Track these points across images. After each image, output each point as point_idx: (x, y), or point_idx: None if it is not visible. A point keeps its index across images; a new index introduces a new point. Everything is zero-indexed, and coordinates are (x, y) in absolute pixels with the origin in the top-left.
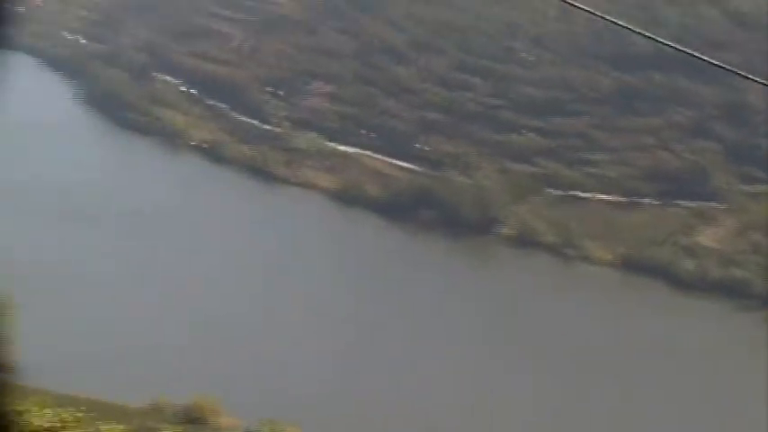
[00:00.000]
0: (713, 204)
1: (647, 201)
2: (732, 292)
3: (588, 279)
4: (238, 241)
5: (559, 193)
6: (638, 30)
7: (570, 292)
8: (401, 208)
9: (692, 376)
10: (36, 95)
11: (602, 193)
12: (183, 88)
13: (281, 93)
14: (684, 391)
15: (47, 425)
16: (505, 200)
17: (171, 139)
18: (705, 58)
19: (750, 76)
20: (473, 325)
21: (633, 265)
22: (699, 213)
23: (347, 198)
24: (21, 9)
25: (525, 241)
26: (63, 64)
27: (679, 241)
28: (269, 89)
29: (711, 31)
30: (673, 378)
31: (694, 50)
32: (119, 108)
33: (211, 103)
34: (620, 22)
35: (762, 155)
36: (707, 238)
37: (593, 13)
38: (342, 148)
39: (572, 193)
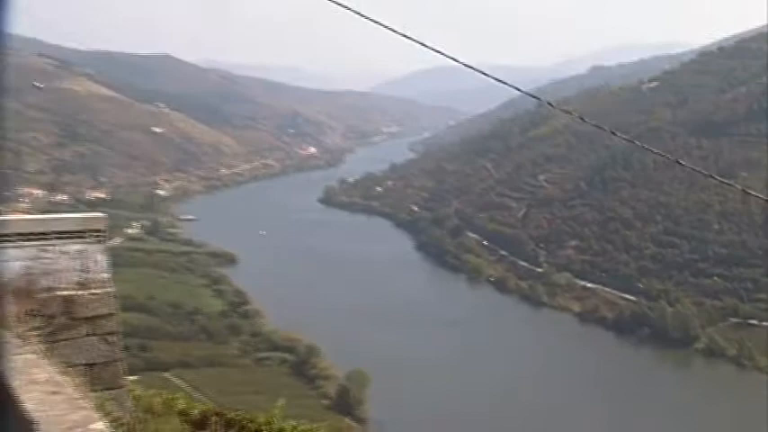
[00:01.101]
0: None
1: None
2: None
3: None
4: (515, 345)
5: (738, 320)
6: None
7: (748, 393)
8: (625, 327)
9: None
10: (389, 245)
11: None
12: (483, 242)
13: (546, 246)
14: None
15: None
16: (699, 324)
17: (473, 276)
18: None
19: None
20: (675, 416)
21: None
22: None
23: (589, 318)
24: None
25: (713, 354)
26: (406, 224)
27: None
28: (538, 243)
29: None
30: None
31: None
32: (440, 254)
33: (500, 252)
34: None
35: None
36: None
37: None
38: (587, 284)
39: (747, 320)
